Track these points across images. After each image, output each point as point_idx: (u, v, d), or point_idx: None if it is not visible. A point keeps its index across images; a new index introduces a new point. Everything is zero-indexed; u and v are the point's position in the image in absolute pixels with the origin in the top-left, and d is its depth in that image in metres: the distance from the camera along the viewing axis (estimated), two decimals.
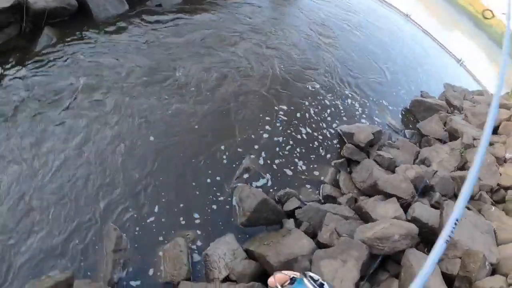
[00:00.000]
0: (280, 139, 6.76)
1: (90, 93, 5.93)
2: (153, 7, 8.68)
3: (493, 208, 5.90)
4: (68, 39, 6.74)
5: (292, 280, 0.67)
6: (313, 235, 5.05)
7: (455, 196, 6.20)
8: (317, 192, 6.15)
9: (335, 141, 7.33)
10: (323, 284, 0.64)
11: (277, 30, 10.01)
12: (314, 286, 0.64)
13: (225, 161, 5.88)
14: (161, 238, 4.61)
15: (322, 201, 5.98)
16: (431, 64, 14.09)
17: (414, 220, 5.05)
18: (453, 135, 8.12)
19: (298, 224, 5.21)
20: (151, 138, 5.70)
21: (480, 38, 24.00)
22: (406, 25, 16.69)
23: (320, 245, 4.76)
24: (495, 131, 8.58)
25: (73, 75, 6.07)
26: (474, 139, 7.63)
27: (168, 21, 8.35)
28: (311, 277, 0.68)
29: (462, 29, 24.02)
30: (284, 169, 6.25)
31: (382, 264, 4.75)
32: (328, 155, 6.95)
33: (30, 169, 4.67)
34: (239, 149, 6.18)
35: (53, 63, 6.15)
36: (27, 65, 5.92)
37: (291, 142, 6.79)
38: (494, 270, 4.57)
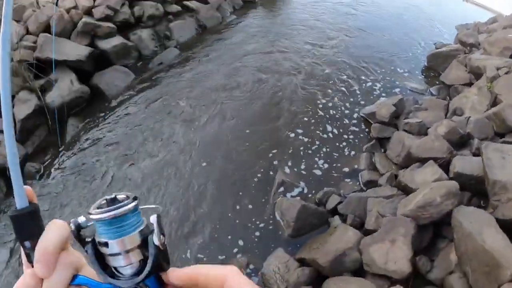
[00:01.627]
0: (306, 140, 6.82)
1: (122, 166, 6.40)
2: (155, 66, 9.24)
3: None
4: (90, 122, 7.37)
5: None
6: (361, 224, 5.01)
7: (496, 135, 5.82)
8: (357, 182, 6.09)
9: (362, 127, 7.25)
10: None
11: (277, 36, 10.21)
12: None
13: (258, 181, 6.04)
14: None
15: (364, 188, 5.90)
16: (438, 13, 13.49)
17: (457, 176, 4.82)
18: (477, 74, 7.62)
19: (344, 219, 5.19)
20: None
21: None
22: None
23: (370, 232, 4.68)
24: None
25: (101, 154, 6.62)
26: (498, 68, 7.11)
27: (172, 75, 8.81)
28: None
29: None
30: (315, 171, 6.27)
31: (439, 232, 4.58)
32: (358, 143, 6.87)
33: None
34: (272, 164, 6.33)
35: (82, 148, 6.75)
36: (60, 157, 6.55)
37: (317, 142, 6.81)
38: None
